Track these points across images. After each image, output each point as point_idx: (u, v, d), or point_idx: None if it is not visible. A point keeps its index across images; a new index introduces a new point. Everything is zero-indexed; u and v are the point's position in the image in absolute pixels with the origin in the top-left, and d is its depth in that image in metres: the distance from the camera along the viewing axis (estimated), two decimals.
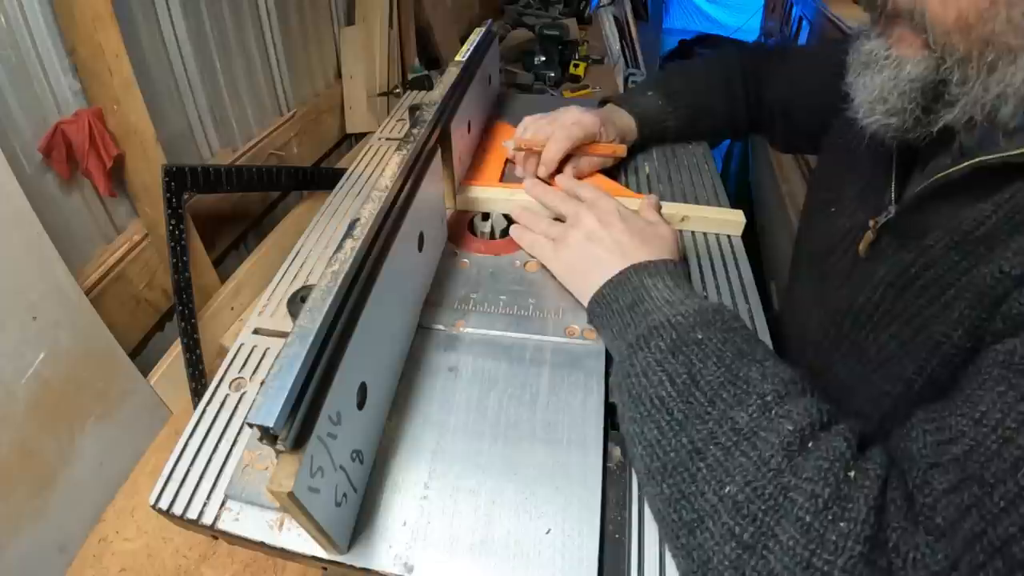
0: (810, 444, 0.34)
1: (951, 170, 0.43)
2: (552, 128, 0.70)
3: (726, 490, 0.34)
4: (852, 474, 0.33)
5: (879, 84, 0.44)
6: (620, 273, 0.50)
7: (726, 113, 0.83)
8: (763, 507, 0.33)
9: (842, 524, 0.31)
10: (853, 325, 0.50)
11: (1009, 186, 0.40)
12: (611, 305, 0.49)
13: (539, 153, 0.70)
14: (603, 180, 0.75)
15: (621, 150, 0.75)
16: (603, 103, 0.83)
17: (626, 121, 0.79)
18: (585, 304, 0.53)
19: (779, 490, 0.33)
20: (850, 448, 0.34)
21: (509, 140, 0.73)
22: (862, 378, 0.49)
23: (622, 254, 0.52)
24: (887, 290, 0.47)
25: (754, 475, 0.34)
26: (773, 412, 0.36)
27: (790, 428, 0.35)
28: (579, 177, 0.72)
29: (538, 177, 0.71)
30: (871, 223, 0.53)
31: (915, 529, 0.31)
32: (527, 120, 0.74)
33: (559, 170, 0.71)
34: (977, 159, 0.41)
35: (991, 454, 0.31)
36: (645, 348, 0.43)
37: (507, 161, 0.79)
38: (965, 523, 0.30)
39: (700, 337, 0.41)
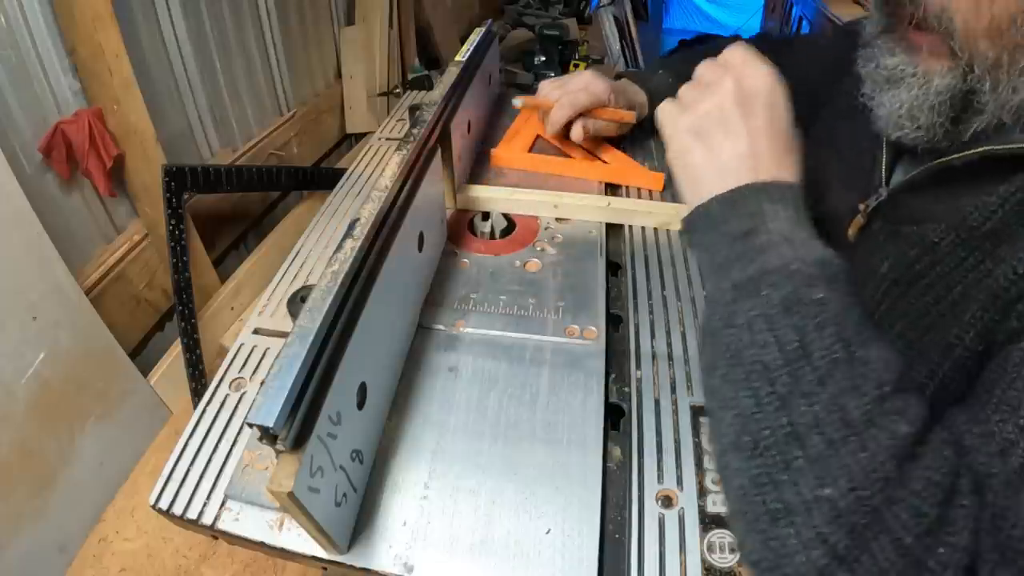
0: (919, 449, 0.31)
1: (954, 157, 0.41)
2: (560, 93, 0.72)
3: (825, 491, 0.30)
4: (958, 487, 0.30)
5: (907, 101, 0.43)
6: (736, 191, 0.41)
7: None
8: (864, 520, 0.29)
9: (941, 551, 0.28)
10: None
11: (1014, 177, 0.39)
12: (719, 227, 0.41)
13: (547, 113, 0.72)
14: (614, 152, 0.76)
15: (629, 116, 0.75)
16: (618, 77, 0.82)
17: (638, 96, 0.79)
18: (687, 204, 0.45)
19: (884, 502, 0.29)
20: (956, 457, 0.31)
21: (519, 98, 0.74)
22: None
23: (754, 161, 0.42)
24: (891, 287, 0.45)
25: (860, 481, 0.30)
26: (888, 406, 0.32)
27: (906, 431, 0.31)
28: (584, 137, 0.72)
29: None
30: (861, 206, 0.50)
31: (1004, 564, 0.29)
32: (543, 84, 0.77)
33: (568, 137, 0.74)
34: (986, 148, 0.40)
35: None
36: (754, 296, 0.36)
37: (537, 136, 0.81)
38: None
39: (820, 297, 0.35)
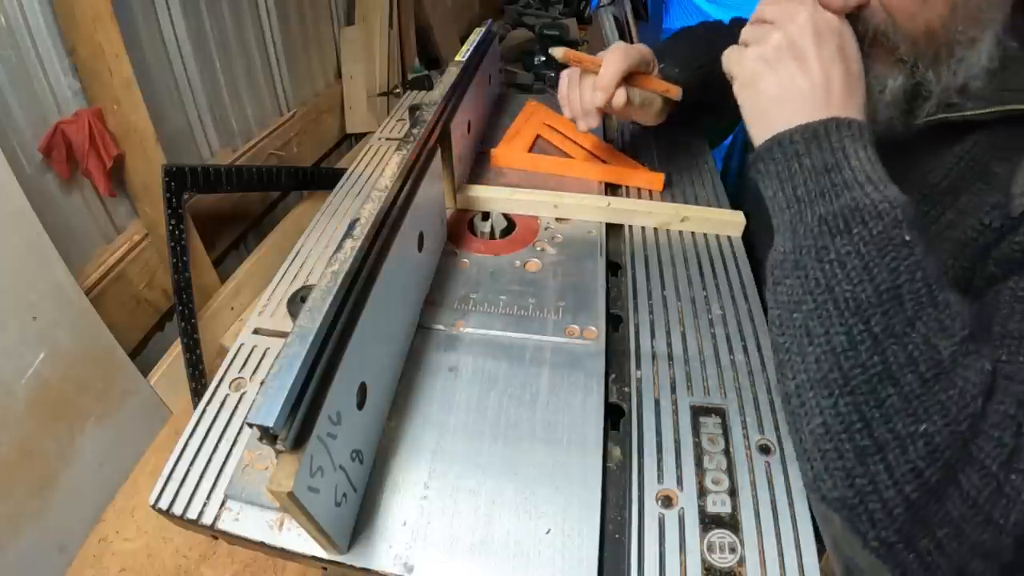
0: (996, 385, 0.33)
1: (922, 121, 0.46)
2: (605, 53, 0.60)
3: (922, 427, 0.32)
4: (1021, 418, 0.32)
5: (873, 103, 0.46)
6: (819, 123, 0.41)
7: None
8: (956, 453, 0.31)
9: (1014, 477, 0.31)
10: None
11: (969, 137, 0.43)
12: (801, 159, 0.41)
13: (593, 73, 0.61)
14: (613, 152, 0.75)
15: (675, 91, 0.64)
16: None
17: None
18: (759, 139, 0.44)
19: (973, 435, 0.32)
20: (1019, 390, 0.33)
21: (559, 49, 0.62)
22: None
23: (827, 92, 0.42)
24: None
25: (954, 416, 0.32)
26: (971, 346, 0.34)
27: (989, 368, 0.33)
28: (625, 104, 0.60)
29: (591, 112, 0.61)
30: None
31: None
32: (565, 73, 0.65)
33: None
34: (939, 116, 0.44)
35: None
36: (845, 232, 0.37)
37: (537, 136, 0.80)
38: None
39: (908, 239, 0.36)
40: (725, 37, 0.77)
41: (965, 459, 0.31)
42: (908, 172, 0.46)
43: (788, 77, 0.43)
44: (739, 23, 0.57)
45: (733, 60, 0.47)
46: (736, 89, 0.46)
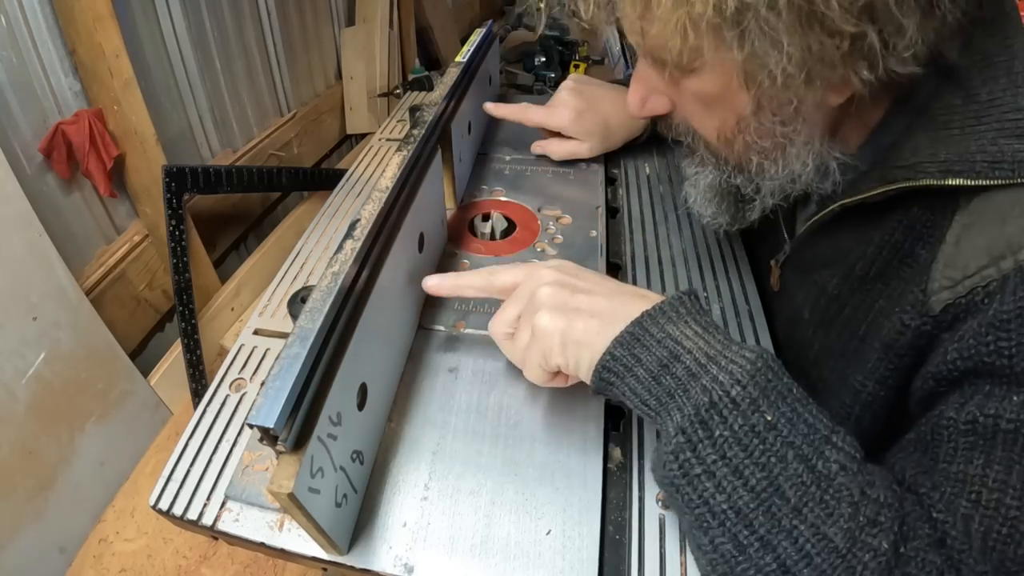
0: (902, 550, 0.32)
1: (820, 215, 0.48)
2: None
3: None
4: None
5: (695, 195, 0.53)
6: (632, 325, 0.37)
7: None
8: None
9: None
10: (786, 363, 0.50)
11: (888, 220, 0.42)
12: (633, 370, 0.37)
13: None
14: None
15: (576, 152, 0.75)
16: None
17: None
18: (589, 380, 0.39)
19: None
20: (939, 555, 0.32)
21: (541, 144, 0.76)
22: None
23: (620, 294, 0.41)
24: (817, 330, 0.50)
25: None
26: (862, 520, 0.32)
27: (886, 546, 0.31)
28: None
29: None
30: (772, 262, 0.58)
31: None
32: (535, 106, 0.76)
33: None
34: (838, 204, 0.45)
35: (1005, 539, 0.31)
36: (707, 440, 0.33)
37: None
38: None
39: (770, 420, 0.33)
40: None
41: None
42: (834, 259, 0.48)
43: (584, 308, 0.39)
44: None
45: (512, 347, 0.44)
46: (527, 375, 0.43)
